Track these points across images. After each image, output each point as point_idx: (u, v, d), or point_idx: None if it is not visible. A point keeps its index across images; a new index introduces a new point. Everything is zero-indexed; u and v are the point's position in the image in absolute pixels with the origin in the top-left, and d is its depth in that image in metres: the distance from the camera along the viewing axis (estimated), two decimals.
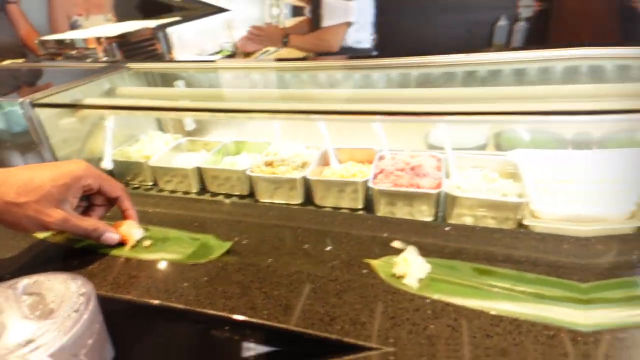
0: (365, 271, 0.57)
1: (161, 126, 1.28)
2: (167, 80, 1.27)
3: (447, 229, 0.66)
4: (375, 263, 0.58)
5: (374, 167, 0.91)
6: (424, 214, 0.82)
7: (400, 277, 0.55)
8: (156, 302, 0.54)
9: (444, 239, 0.63)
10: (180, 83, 1.25)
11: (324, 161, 0.98)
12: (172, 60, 1.14)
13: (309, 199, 0.92)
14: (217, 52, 1.13)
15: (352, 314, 0.50)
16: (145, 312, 0.56)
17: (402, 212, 0.83)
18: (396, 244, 0.61)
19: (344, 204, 0.89)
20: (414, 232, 0.65)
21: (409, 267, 0.55)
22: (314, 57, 1.02)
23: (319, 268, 0.58)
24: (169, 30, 1.14)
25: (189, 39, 1.13)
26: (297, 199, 0.92)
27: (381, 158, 0.95)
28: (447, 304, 0.50)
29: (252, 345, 0.51)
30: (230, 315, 0.51)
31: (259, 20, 1.20)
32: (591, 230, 0.69)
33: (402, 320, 0.49)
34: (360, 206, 0.88)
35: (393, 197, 0.82)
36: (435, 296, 0.52)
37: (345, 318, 0.49)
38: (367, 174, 0.88)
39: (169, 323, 0.56)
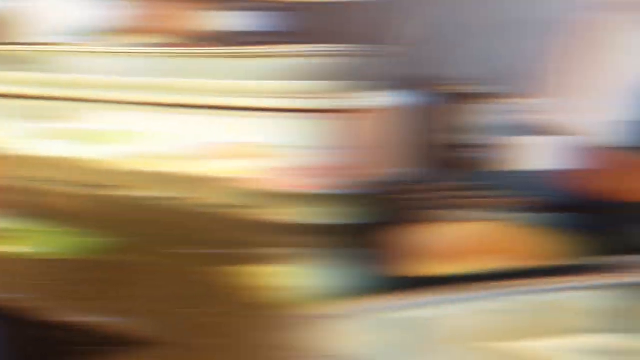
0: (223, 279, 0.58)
1: (20, 113, 1.18)
2: (21, 64, 1.16)
3: None
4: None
5: (249, 164, 0.89)
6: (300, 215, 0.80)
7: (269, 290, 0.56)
8: None
9: None
10: (35, 67, 1.16)
11: (196, 155, 0.98)
12: (27, 43, 1.07)
13: (177, 195, 0.91)
14: (85, 34, 1.07)
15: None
16: None
17: (279, 213, 0.81)
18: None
19: (212, 200, 0.87)
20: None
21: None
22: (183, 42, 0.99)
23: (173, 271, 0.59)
24: (24, 7, 1.06)
25: (47, 18, 1.06)
26: (166, 193, 0.90)
27: (258, 155, 0.93)
28: None
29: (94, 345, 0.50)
30: (74, 317, 0.51)
31: None
32: None
33: None
34: (235, 204, 0.86)
35: (268, 197, 0.83)
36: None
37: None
38: (241, 171, 0.88)
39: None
